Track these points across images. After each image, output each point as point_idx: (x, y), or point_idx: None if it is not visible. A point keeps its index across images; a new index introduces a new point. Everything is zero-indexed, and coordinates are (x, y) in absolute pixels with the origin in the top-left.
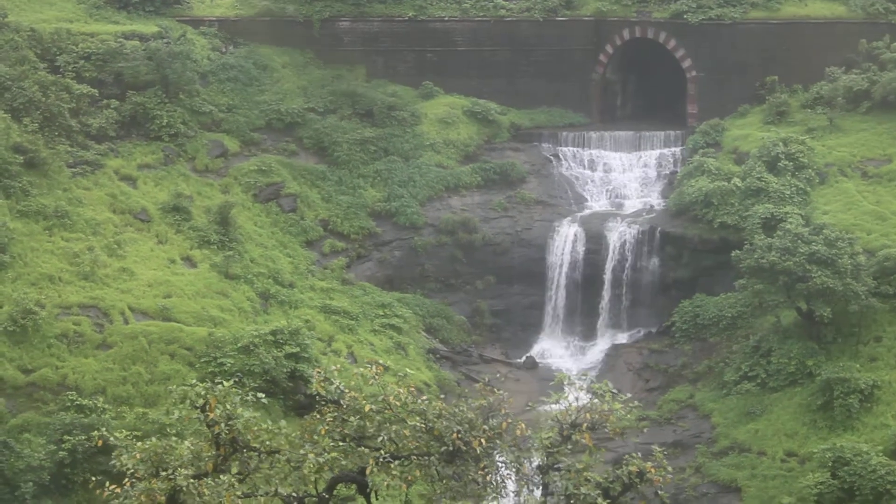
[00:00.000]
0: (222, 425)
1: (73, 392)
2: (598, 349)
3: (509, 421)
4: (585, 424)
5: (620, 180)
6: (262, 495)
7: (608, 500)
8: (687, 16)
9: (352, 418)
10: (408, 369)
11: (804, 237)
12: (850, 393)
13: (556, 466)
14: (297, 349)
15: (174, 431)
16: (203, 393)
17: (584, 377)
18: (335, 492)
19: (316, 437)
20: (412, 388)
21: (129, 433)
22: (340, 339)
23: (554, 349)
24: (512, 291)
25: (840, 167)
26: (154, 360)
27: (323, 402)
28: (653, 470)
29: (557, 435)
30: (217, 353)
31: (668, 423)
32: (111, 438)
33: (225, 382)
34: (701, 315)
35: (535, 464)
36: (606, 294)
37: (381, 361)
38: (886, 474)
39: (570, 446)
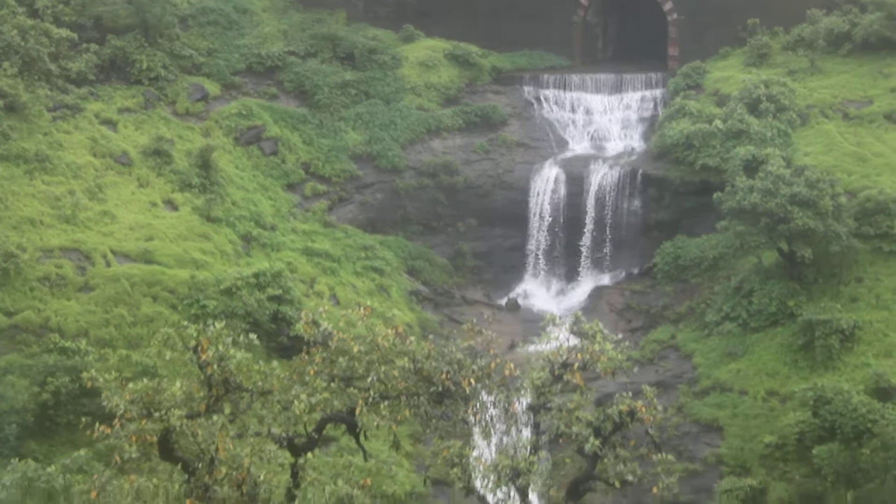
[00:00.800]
0: (215, 366)
1: (56, 334)
2: (581, 291)
3: (497, 361)
4: (576, 364)
5: (602, 123)
6: (253, 435)
7: (599, 439)
8: None
9: (340, 359)
10: (395, 310)
11: (786, 178)
12: (831, 333)
13: (546, 406)
14: (280, 291)
15: (165, 373)
16: (195, 334)
17: (573, 317)
18: (323, 432)
19: (307, 379)
20: (400, 330)
21: (117, 375)
22: (323, 282)
23: (536, 291)
24: (494, 234)
25: (821, 109)
26: (136, 302)
27: (312, 344)
28: (643, 409)
29: (549, 375)
30: (199, 296)
31: (650, 363)
32: (100, 380)
33: (217, 324)
34: (682, 256)
35: (525, 404)
36: (588, 236)
37: (368, 303)
38: (867, 413)
39: (559, 386)
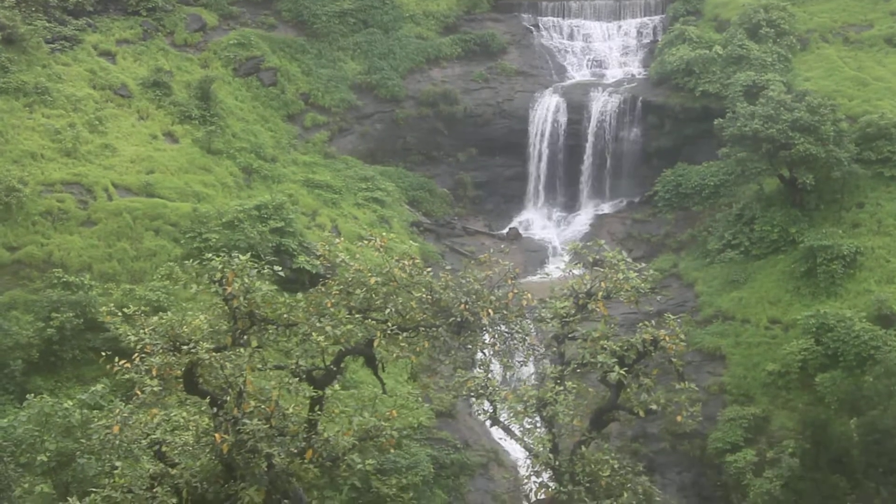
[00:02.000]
0: (241, 298)
1: (59, 269)
2: (581, 220)
3: (515, 291)
4: (601, 293)
5: (601, 50)
6: (273, 368)
7: (624, 368)
8: None
9: (357, 291)
10: (411, 242)
11: (787, 104)
12: (833, 259)
13: (571, 335)
14: (282, 224)
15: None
16: (220, 266)
17: (596, 245)
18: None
19: (324, 311)
20: (416, 260)
21: (135, 309)
22: (324, 213)
23: (537, 220)
24: (494, 163)
25: (821, 33)
26: (139, 236)
27: (322, 277)
28: (666, 338)
29: (573, 304)
30: (202, 229)
31: (652, 292)
32: (118, 314)
33: (241, 256)
34: (683, 184)
35: (550, 334)
36: (588, 164)
37: (383, 235)
38: (870, 339)
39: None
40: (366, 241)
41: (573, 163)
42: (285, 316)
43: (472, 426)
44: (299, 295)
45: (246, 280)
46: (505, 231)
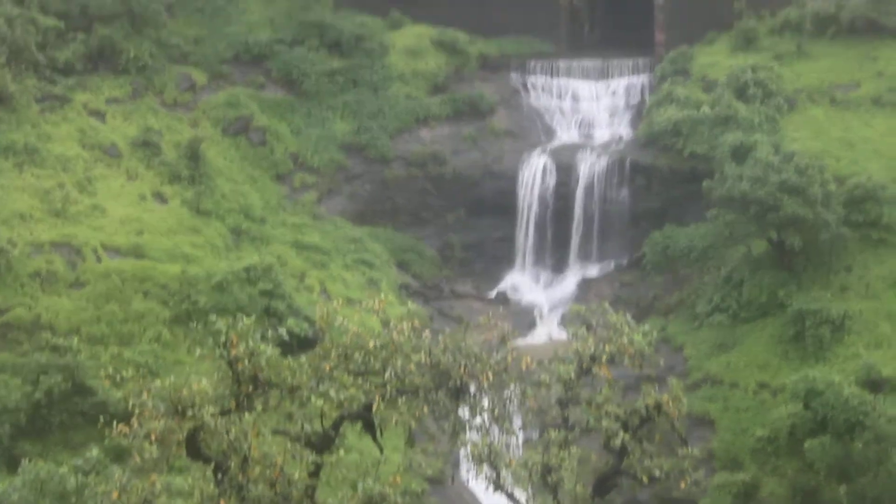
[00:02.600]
0: (245, 362)
1: (48, 332)
2: (570, 282)
3: (514, 355)
4: (605, 357)
5: (589, 110)
6: (274, 433)
7: (628, 433)
8: None
9: (356, 354)
10: (410, 303)
11: (775, 166)
12: (822, 323)
13: (576, 400)
14: (271, 286)
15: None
16: (225, 329)
17: (597, 307)
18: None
19: (321, 374)
20: (416, 324)
21: (134, 373)
22: (313, 275)
23: (525, 282)
24: (482, 224)
25: (809, 93)
26: (128, 298)
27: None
28: (670, 402)
29: (577, 368)
30: (190, 291)
31: (622, 356)
32: (117, 378)
33: (246, 319)
34: (671, 246)
35: (553, 397)
36: (576, 226)
37: (382, 297)
38: (859, 405)
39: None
40: (363, 304)
41: (561, 224)
42: (289, 380)
43: (461, 493)
44: (303, 358)
45: (251, 343)
46: (493, 293)
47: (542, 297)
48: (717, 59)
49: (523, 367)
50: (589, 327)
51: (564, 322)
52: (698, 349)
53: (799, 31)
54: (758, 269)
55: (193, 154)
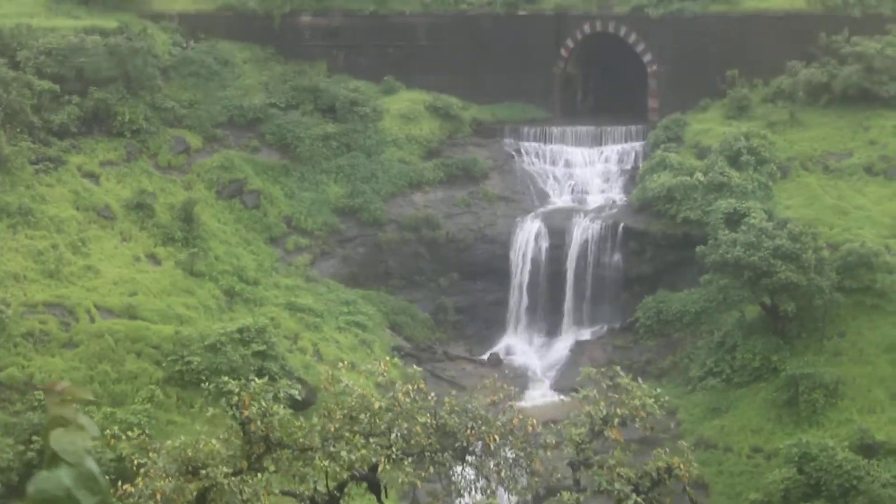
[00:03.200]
0: (258, 422)
1: (41, 392)
2: (562, 345)
3: (520, 417)
4: (616, 420)
5: (582, 175)
6: (283, 493)
7: (640, 496)
8: (648, 10)
9: (361, 416)
10: (414, 367)
11: (768, 232)
12: (815, 388)
13: (587, 462)
14: (264, 347)
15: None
16: (237, 390)
17: (611, 371)
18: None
19: (346, 435)
20: (421, 386)
21: (139, 433)
22: (306, 337)
23: (518, 346)
24: (475, 288)
25: (801, 161)
26: (121, 358)
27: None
28: (681, 465)
29: (588, 431)
30: (184, 352)
31: (633, 419)
32: (122, 438)
33: (258, 379)
34: (664, 311)
35: (564, 460)
36: (569, 290)
37: (387, 359)
38: (852, 469)
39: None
40: (364, 367)
41: (554, 288)
42: (301, 440)
43: None
44: (315, 419)
45: (263, 403)
46: (486, 356)
47: (535, 360)
48: (710, 126)
49: (529, 429)
50: (565, 392)
51: (557, 385)
52: (692, 413)
53: (792, 99)
54: (751, 334)
55: (187, 216)
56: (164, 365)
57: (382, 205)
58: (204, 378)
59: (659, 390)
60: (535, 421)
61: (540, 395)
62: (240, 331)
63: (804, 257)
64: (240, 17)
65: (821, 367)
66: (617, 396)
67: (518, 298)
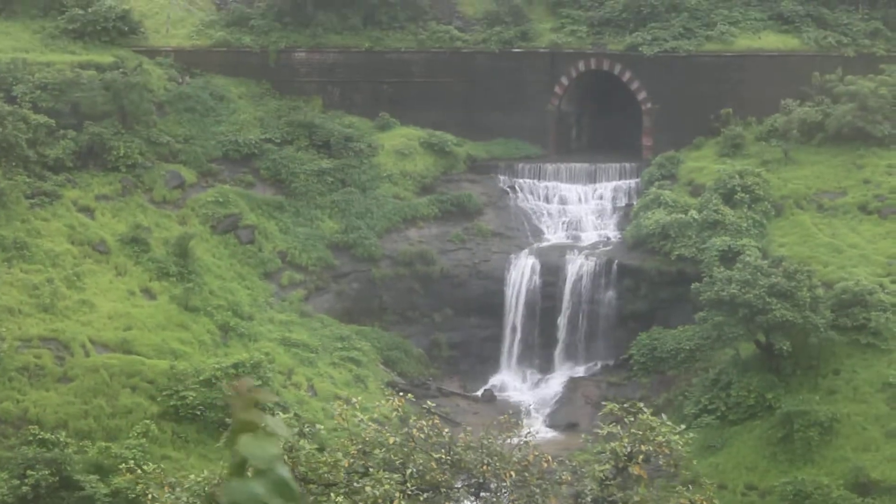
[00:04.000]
0: (285, 458)
1: (35, 426)
2: (556, 382)
3: (536, 453)
4: (641, 456)
5: (577, 212)
6: None
7: None
8: (642, 48)
9: (376, 451)
10: (426, 404)
11: (763, 269)
12: (810, 426)
13: (610, 499)
14: (259, 382)
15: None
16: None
17: (631, 406)
18: None
19: (371, 470)
20: (437, 421)
21: (156, 467)
22: (300, 373)
23: (512, 382)
24: (469, 324)
25: (795, 199)
26: (115, 393)
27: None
28: (703, 503)
29: (612, 467)
30: (179, 387)
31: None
32: (138, 471)
33: (282, 413)
34: (659, 348)
35: (589, 497)
36: (563, 327)
37: (400, 396)
38: None
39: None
40: (383, 401)
41: (548, 325)
42: (326, 475)
43: None
44: (339, 454)
45: (290, 439)
46: (480, 392)
47: (529, 397)
48: (704, 163)
49: (544, 466)
50: (561, 430)
51: (551, 421)
52: (686, 450)
53: (785, 137)
54: (746, 372)
55: (182, 251)
56: (158, 400)
57: (377, 240)
58: (202, 413)
59: (683, 426)
60: (549, 457)
61: (534, 432)
62: (235, 366)
63: (799, 295)
64: (235, 53)
65: (816, 404)
66: (640, 433)
67: (512, 334)
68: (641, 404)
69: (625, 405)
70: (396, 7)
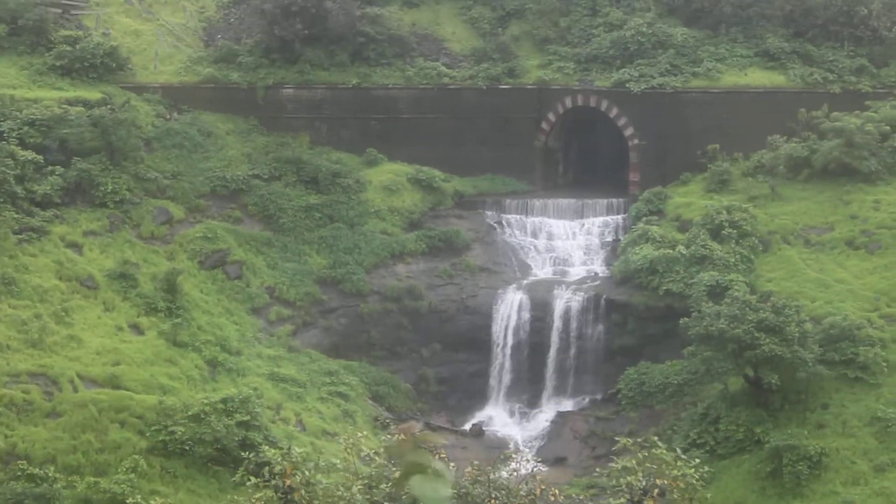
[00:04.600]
0: (302, 492)
1: (24, 461)
2: (544, 417)
3: (543, 487)
4: (656, 490)
5: (564, 248)
6: None
7: None
8: (629, 84)
9: (382, 485)
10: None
11: (752, 304)
12: (799, 460)
13: None
14: (248, 417)
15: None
16: (280, 459)
17: (646, 440)
18: None
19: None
20: (443, 456)
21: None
22: (289, 407)
23: (500, 416)
24: (457, 359)
25: (783, 235)
26: (104, 428)
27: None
28: None
29: (627, 502)
30: (168, 422)
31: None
32: None
33: (297, 448)
34: (647, 382)
35: None
36: (551, 361)
37: (413, 428)
38: None
39: None
40: (388, 436)
41: (536, 359)
42: None
43: None
44: (354, 488)
45: (307, 473)
46: (468, 427)
47: (517, 431)
48: (691, 199)
49: (551, 499)
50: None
51: (540, 456)
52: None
53: (772, 173)
54: (734, 406)
55: (170, 286)
56: (147, 435)
57: (365, 275)
58: (190, 448)
59: (697, 460)
60: (556, 491)
61: (522, 467)
62: (223, 401)
63: (788, 330)
64: (223, 90)
65: (804, 439)
66: (655, 467)
67: (500, 369)
68: (656, 438)
69: (639, 440)
70: (384, 44)
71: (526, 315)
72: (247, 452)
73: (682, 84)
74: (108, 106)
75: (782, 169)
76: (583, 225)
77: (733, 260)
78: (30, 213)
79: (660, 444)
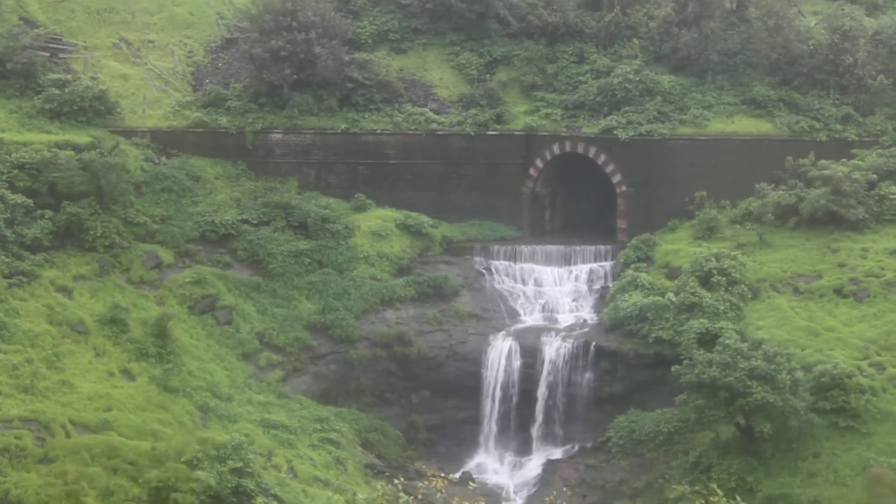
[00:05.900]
0: None
1: None
2: (534, 464)
3: None
4: None
5: (552, 294)
6: None
7: None
8: (617, 131)
9: None
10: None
11: (744, 352)
12: None
13: None
14: (241, 464)
15: None
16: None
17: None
18: None
19: None
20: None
21: None
22: (280, 454)
23: (489, 464)
24: (447, 405)
25: (772, 283)
26: (96, 474)
27: None
28: None
29: None
30: (160, 468)
31: None
32: None
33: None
34: (637, 430)
35: None
36: (541, 409)
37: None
38: None
39: None
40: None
41: (526, 407)
42: None
43: None
44: None
45: None
46: (458, 475)
47: (507, 479)
48: (679, 246)
49: None
50: None
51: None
52: None
53: (760, 221)
54: (726, 454)
55: (161, 331)
56: (139, 481)
57: (354, 321)
58: (182, 496)
59: (738, 498)
60: None
61: None
62: (216, 447)
63: (779, 378)
64: (211, 134)
65: (796, 487)
66: None
67: (489, 416)
68: (714, 485)
69: (696, 488)
70: (372, 89)
71: (516, 362)
72: (238, 499)
73: (669, 131)
74: (98, 150)
75: (770, 216)
76: (571, 271)
77: (723, 307)
78: (19, 257)
79: (718, 491)
